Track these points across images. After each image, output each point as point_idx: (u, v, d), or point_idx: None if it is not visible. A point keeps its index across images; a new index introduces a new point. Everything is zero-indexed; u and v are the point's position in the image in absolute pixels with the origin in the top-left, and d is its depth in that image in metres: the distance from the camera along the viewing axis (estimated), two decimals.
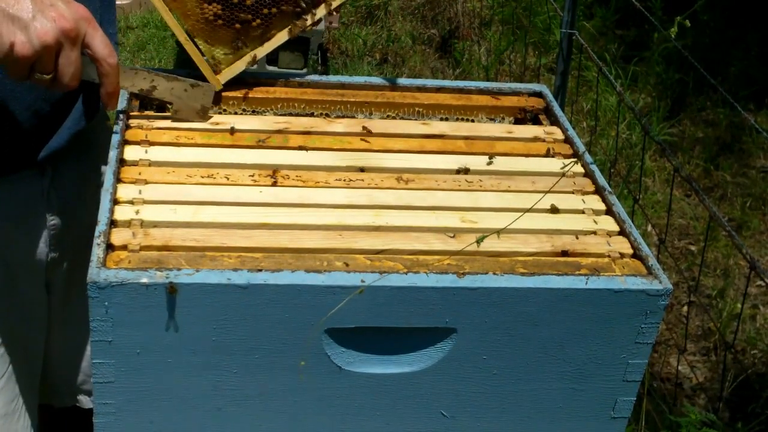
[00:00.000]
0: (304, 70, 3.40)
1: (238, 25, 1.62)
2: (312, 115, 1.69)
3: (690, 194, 4.23)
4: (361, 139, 1.60)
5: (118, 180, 1.42)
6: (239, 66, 1.66)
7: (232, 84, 1.66)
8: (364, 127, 1.62)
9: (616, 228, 1.47)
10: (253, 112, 1.67)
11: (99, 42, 1.39)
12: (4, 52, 1.30)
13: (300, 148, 1.56)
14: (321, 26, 3.50)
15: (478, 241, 1.34)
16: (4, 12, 1.29)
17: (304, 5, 1.65)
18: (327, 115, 1.69)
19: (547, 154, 1.63)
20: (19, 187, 1.69)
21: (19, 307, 1.78)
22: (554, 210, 1.47)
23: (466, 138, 1.65)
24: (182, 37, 1.61)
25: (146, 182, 1.43)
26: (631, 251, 1.42)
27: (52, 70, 1.36)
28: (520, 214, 1.41)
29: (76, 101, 1.72)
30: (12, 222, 1.70)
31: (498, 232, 1.38)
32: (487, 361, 1.36)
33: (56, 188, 1.76)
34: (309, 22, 1.67)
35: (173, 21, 1.59)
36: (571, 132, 1.68)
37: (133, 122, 1.56)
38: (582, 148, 1.63)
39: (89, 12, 1.38)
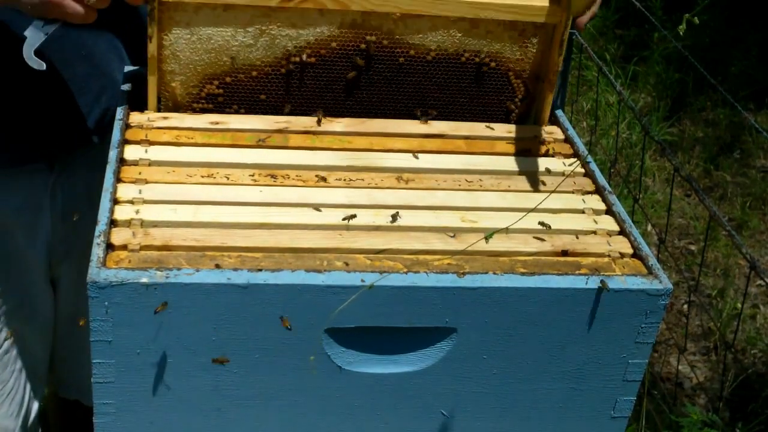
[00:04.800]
0: None
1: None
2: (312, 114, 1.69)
3: (690, 194, 4.23)
4: (398, 179, 1.53)
5: (118, 180, 1.42)
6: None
7: None
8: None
9: (616, 228, 1.46)
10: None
11: None
12: None
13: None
14: None
15: (487, 238, 1.34)
16: None
17: None
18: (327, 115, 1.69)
19: (547, 154, 1.63)
20: (25, 179, 1.69)
21: (18, 297, 1.79)
22: (544, 225, 1.43)
23: (466, 138, 1.65)
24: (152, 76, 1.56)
25: (146, 182, 1.43)
26: (631, 251, 1.42)
27: None
28: (524, 213, 1.41)
29: (96, 103, 1.73)
30: (13, 212, 1.71)
31: (506, 229, 1.38)
32: (487, 361, 1.36)
33: (62, 186, 1.76)
34: None
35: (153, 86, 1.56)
36: (571, 132, 1.68)
37: (133, 122, 1.56)
38: (583, 149, 1.63)
39: None
